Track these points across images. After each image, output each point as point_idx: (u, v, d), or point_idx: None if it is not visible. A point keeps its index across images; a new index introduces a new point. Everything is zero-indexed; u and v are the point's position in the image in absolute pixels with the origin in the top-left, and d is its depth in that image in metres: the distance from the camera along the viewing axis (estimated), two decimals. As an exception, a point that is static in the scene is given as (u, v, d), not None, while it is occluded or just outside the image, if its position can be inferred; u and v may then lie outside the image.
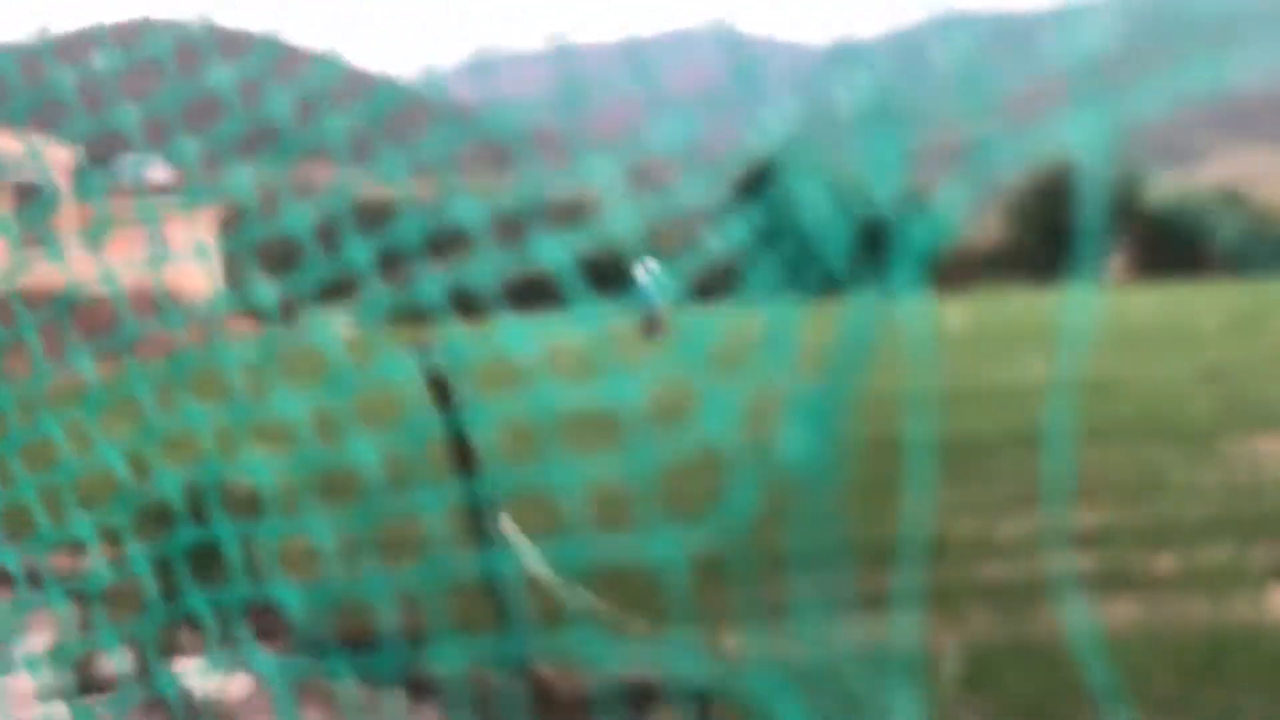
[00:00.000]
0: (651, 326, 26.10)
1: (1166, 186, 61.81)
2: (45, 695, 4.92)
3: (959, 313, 24.58)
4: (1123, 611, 5.06)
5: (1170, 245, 53.88)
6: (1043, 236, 53.75)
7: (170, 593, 4.22)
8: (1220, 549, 5.84)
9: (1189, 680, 4.17)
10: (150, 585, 4.75)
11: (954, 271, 54.88)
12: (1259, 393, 10.98)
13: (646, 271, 26.43)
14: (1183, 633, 4.59)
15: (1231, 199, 59.14)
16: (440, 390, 4.02)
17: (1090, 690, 4.11)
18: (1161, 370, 13.47)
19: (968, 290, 51.28)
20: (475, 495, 4.10)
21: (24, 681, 5.15)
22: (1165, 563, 5.73)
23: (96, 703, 4.85)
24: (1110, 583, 5.48)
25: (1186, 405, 10.36)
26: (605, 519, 6.81)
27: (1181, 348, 16.35)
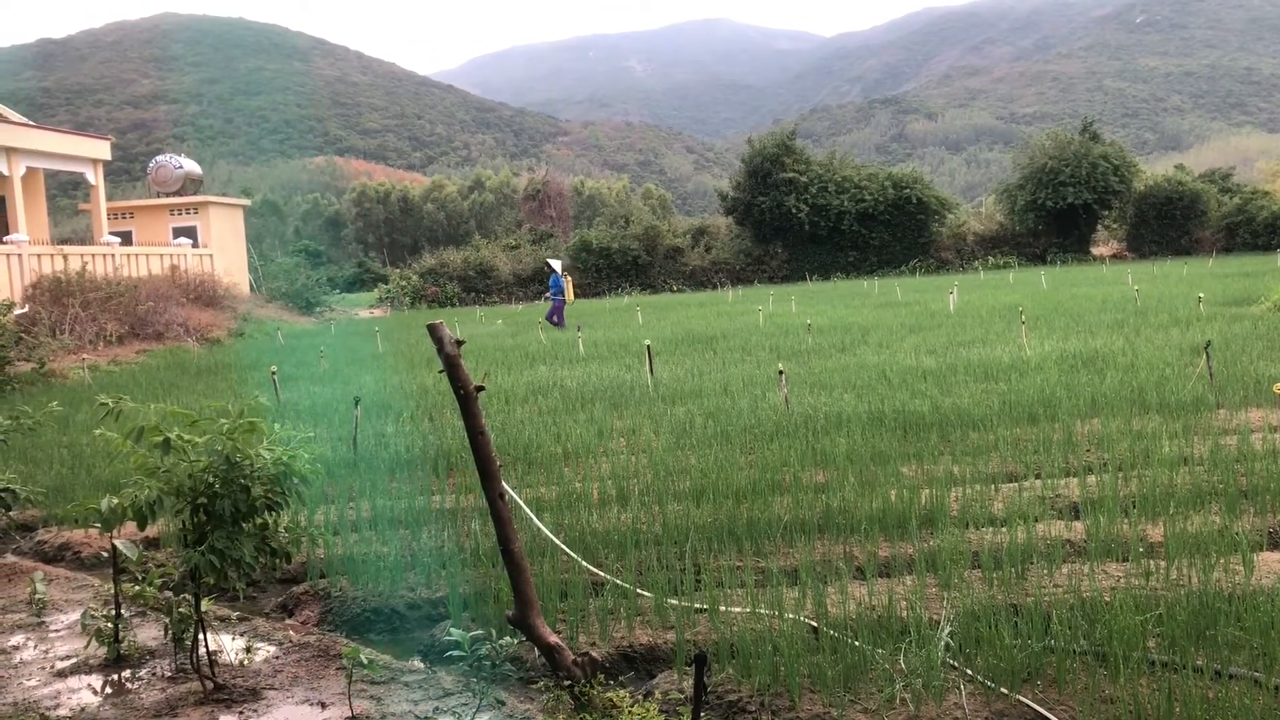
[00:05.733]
0: (557, 315, 27.37)
1: (1160, 168, 61.76)
2: (79, 667, 5.06)
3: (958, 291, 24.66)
4: (1115, 577, 5.20)
5: (1163, 224, 53.95)
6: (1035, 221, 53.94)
7: (198, 566, 4.35)
8: (1209, 518, 5.98)
9: (1179, 645, 4.28)
10: (179, 559, 4.85)
11: (957, 251, 55.05)
12: (1247, 367, 11.11)
13: (554, 270, 28.45)
14: (1173, 599, 4.68)
15: (1222, 180, 59.15)
16: (452, 370, 4.13)
17: (1080, 653, 4.25)
18: (1154, 345, 13.57)
19: (970, 268, 51.40)
20: (485, 467, 4.21)
21: (58, 653, 5.29)
22: (1156, 531, 5.87)
23: (128, 673, 4.98)
24: (1102, 550, 5.62)
25: (1177, 379, 10.47)
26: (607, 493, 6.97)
27: (1173, 323, 16.46)
